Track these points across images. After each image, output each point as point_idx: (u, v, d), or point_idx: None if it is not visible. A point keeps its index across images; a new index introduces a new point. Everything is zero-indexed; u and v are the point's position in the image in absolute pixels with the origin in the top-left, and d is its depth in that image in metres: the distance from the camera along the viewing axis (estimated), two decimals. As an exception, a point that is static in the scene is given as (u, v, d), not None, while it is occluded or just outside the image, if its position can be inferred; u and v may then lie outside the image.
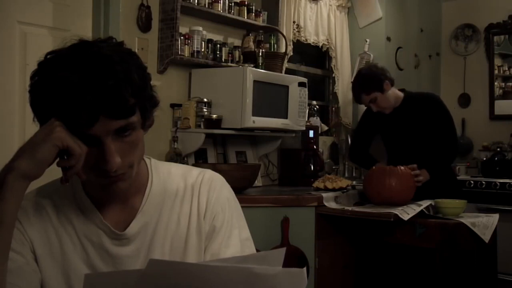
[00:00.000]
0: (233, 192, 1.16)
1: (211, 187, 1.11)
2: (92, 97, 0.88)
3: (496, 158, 4.44)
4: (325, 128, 4.14)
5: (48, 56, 0.95)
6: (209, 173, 1.14)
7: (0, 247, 0.88)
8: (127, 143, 0.95)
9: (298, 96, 3.23)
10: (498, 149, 4.52)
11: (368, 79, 3.10)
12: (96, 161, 0.93)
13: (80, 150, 0.91)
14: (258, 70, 3.06)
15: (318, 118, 3.94)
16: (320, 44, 4.06)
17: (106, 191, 1.01)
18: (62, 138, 0.89)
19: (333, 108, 4.37)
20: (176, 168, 1.14)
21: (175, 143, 2.91)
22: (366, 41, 4.25)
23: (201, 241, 1.08)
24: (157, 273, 0.71)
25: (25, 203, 0.99)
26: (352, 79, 3.19)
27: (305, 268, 0.74)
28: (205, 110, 2.93)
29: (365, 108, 3.31)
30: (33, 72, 0.95)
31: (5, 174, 0.89)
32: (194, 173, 1.13)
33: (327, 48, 4.13)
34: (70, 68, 0.90)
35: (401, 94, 3.20)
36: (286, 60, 3.58)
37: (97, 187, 1.02)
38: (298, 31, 3.83)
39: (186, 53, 2.95)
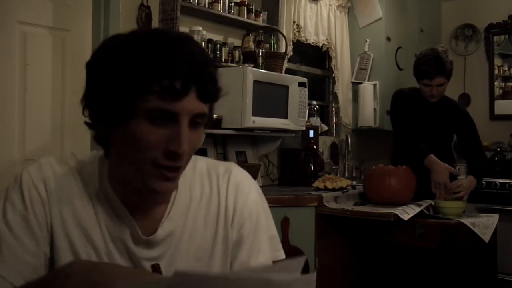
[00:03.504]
0: (259, 189, 1.13)
1: (239, 190, 1.08)
2: (189, 67, 0.86)
3: (496, 158, 4.44)
4: (325, 128, 4.14)
5: (121, 36, 0.91)
6: (235, 171, 1.10)
7: None
8: (194, 136, 0.91)
9: (298, 96, 3.23)
10: (498, 149, 4.52)
11: (451, 67, 3.06)
12: (165, 143, 0.88)
13: None
14: (258, 70, 3.06)
15: (318, 118, 3.94)
16: (320, 44, 4.06)
17: (139, 194, 0.96)
18: None
19: (333, 108, 4.37)
20: (201, 163, 1.09)
21: (175, 143, 2.90)
22: (366, 41, 4.26)
23: (228, 249, 1.05)
24: (181, 285, 0.70)
25: (60, 176, 0.97)
26: (426, 55, 3.05)
27: (315, 273, 0.73)
28: (205, 110, 2.93)
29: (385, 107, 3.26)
30: (108, 46, 0.90)
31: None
32: (220, 171, 1.08)
33: (327, 48, 4.13)
34: (164, 38, 0.87)
35: None
36: (286, 60, 3.58)
37: (129, 190, 0.96)
38: (298, 31, 3.83)
39: (186, 53, 2.94)
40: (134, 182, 0.93)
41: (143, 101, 0.85)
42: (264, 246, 1.08)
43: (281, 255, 1.13)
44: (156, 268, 0.85)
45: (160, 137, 0.88)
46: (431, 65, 2.99)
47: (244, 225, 1.06)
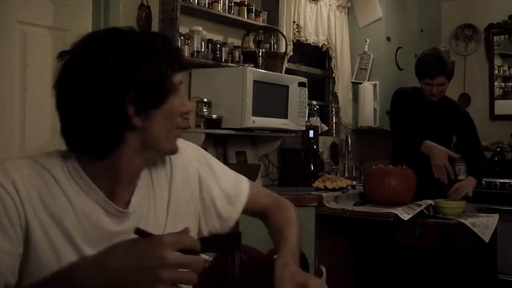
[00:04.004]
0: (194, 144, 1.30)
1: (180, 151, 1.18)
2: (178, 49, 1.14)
3: (496, 158, 4.44)
4: (325, 128, 4.14)
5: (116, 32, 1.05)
6: None
7: None
8: None
9: (298, 96, 3.23)
10: (498, 149, 4.52)
11: (453, 68, 3.07)
12: (180, 107, 1.06)
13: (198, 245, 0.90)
14: (258, 70, 3.06)
15: (318, 118, 3.94)
16: (320, 44, 4.06)
17: (112, 172, 1.04)
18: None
19: (333, 108, 4.37)
20: None
21: (175, 143, 2.90)
22: (366, 41, 4.26)
23: (196, 200, 1.21)
24: None
25: (31, 174, 1.00)
26: (427, 55, 3.06)
27: None
28: (205, 110, 2.93)
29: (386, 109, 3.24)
30: (110, 41, 1.00)
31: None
32: None
33: (327, 48, 4.13)
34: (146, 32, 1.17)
35: None
36: (286, 60, 3.58)
37: (99, 169, 1.03)
38: (298, 31, 3.83)
39: (186, 53, 2.95)
40: (159, 152, 1.09)
41: (174, 78, 1.05)
42: (226, 170, 1.29)
43: (245, 179, 1.33)
44: (142, 232, 0.90)
45: (179, 104, 1.07)
46: (432, 64, 3.01)
47: (198, 169, 1.23)
